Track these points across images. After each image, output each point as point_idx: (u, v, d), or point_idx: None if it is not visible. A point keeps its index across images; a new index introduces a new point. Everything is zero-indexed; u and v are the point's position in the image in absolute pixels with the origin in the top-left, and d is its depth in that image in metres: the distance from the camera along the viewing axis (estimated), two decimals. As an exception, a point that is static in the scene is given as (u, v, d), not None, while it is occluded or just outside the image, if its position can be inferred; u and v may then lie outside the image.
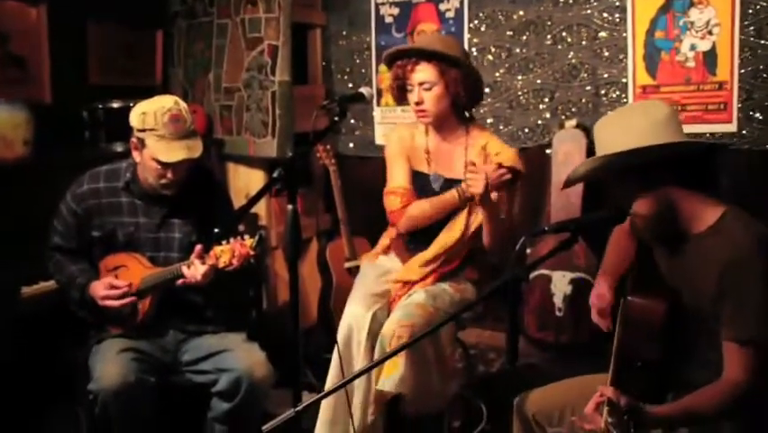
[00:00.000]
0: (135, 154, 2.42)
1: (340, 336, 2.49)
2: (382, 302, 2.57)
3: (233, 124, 3.84)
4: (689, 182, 1.71)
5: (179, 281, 2.35)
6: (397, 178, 2.63)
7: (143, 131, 2.34)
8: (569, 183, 1.82)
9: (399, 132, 2.73)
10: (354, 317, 2.48)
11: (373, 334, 2.49)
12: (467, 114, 2.64)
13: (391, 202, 2.62)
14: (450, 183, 2.58)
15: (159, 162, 2.34)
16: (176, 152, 2.32)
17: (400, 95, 2.59)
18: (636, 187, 1.72)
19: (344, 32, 4.16)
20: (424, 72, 2.50)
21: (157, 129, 2.31)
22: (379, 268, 2.75)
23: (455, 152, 2.61)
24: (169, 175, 2.36)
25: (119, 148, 3.19)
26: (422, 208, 2.56)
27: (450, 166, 2.61)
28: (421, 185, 2.63)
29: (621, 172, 1.73)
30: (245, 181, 3.93)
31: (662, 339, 1.86)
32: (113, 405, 2.24)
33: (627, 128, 1.71)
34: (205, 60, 3.89)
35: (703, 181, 1.73)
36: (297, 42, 3.79)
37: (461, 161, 2.58)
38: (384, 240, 2.80)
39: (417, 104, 2.51)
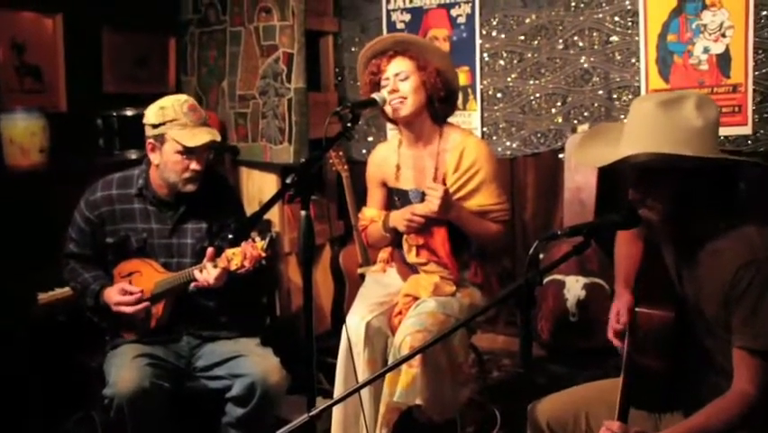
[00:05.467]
0: (153, 156, 2.44)
1: (341, 347, 2.50)
2: (378, 312, 2.55)
3: (248, 131, 3.86)
4: (713, 187, 1.70)
5: (192, 285, 2.37)
6: (368, 206, 2.76)
7: (164, 124, 2.38)
8: (603, 164, 1.72)
9: (375, 154, 2.78)
10: (350, 328, 2.46)
11: (371, 343, 2.48)
12: (442, 118, 2.60)
13: (360, 225, 2.78)
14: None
15: (183, 153, 2.37)
16: (201, 136, 2.38)
17: (373, 91, 2.52)
18: (673, 186, 1.68)
19: (357, 39, 4.17)
20: (399, 64, 2.50)
21: (178, 119, 2.38)
22: (381, 279, 2.76)
23: (427, 162, 2.59)
24: (194, 166, 2.40)
25: (133, 155, 3.23)
26: (375, 229, 2.67)
27: (422, 177, 2.58)
28: (402, 202, 2.62)
29: (672, 172, 1.67)
30: (258, 188, 3.94)
31: (672, 350, 1.83)
32: (127, 410, 2.25)
33: (683, 125, 1.64)
34: (219, 68, 3.91)
35: (724, 186, 1.72)
36: (309, 49, 3.80)
37: (431, 171, 2.56)
38: (382, 253, 2.81)
39: (393, 92, 2.46)
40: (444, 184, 2.46)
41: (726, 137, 3.26)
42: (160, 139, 2.40)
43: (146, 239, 2.50)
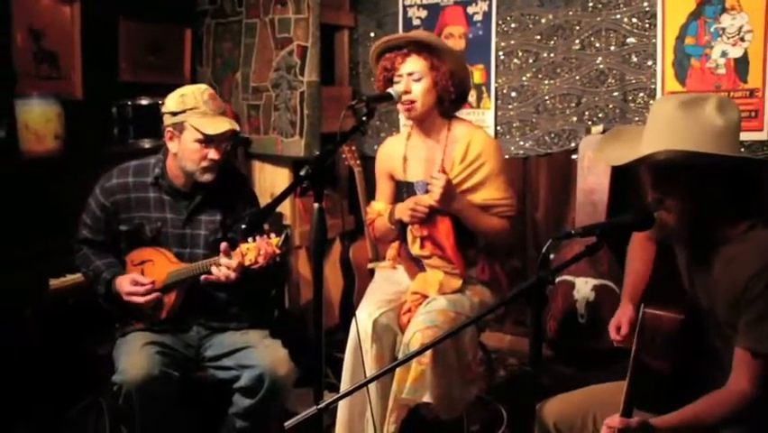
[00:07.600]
0: (171, 145, 2.44)
1: (349, 343, 2.50)
2: (386, 308, 2.54)
3: (260, 124, 3.87)
4: (732, 189, 1.70)
5: (204, 278, 2.37)
6: (377, 199, 2.75)
7: (184, 112, 2.38)
8: (622, 164, 1.74)
9: (383, 147, 2.78)
10: (359, 323, 2.45)
11: (379, 340, 2.48)
12: (450, 113, 2.61)
13: (368, 218, 2.77)
14: None
15: (202, 141, 2.38)
16: (220, 125, 2.39)
17: (386, 88, 2.53)
18: (692, 185, 1.68)
19: (372, 34, 4.17)
20: (413, 63, 2.49)
21: (198, 107, 2.38)
22: (391, 276, 2.75)
23: (434, 154, 2.59)
24: (212, 155, 2.40)
25: (147, 145, 3.25)
26: (382, 223, 2.67)
27: (429, 169, 2.57)
28: (409, 194, 2.62)
29: (691, 170, 1.67)
30: (271, 181, 3.95)
31: (680, 352, 1.83)
32: (136, 397, 2.26)
33: (704, 124, 1.66)
34: (233, 60, 3.92)
35: (743, 189, 1.72)
36: (324, 43, 3.80)
37: (438, 163, 2.55)
38: (391, 250, 2.81)
39: (405, 93, 2.46)
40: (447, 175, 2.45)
41: (741, 143, 3.22)
42: (179, 127, 2.40)
43: (160, 228, 2.51)
